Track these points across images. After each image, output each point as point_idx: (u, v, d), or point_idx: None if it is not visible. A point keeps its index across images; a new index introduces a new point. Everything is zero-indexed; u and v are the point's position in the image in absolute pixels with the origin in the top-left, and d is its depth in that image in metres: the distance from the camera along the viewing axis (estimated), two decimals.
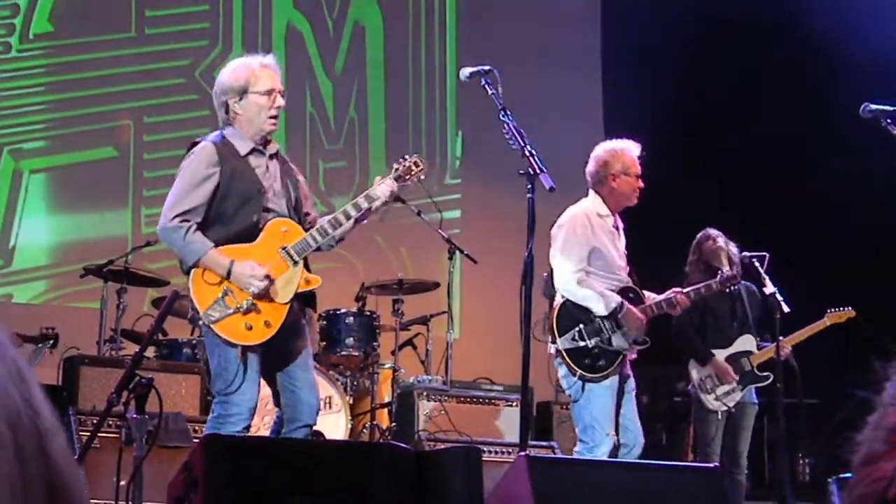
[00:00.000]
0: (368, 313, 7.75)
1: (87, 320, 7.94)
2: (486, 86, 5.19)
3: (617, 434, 5.93)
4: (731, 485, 6.81)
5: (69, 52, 9.59)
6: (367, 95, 10.80)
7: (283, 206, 5.08)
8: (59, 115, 9.52)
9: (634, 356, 6.10)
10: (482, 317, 10.04)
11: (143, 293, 8.29)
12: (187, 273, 4.92)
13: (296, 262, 4.98)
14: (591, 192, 6.18)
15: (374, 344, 7.67)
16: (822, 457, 9.00)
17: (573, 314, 5.93)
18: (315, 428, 5.27)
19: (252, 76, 5.04)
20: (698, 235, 7.26)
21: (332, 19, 10.73)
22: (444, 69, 11.15)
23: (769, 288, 6.62)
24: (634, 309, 5.97)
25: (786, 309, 6.55)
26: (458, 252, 8.12)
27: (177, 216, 4.87)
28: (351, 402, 7.52)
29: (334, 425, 7.14)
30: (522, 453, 4.61)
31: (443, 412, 7.53)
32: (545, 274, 6.09)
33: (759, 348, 7.20)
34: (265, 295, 4.88)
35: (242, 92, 5.03)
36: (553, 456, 7.09)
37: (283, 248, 4.96)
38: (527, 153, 5.00)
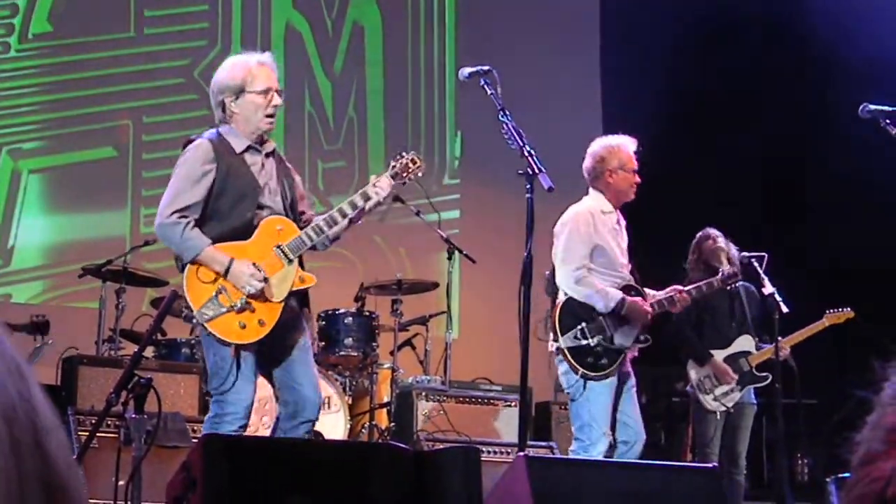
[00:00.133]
0: (367, 313, 7.75)
1: (85, 320, 7.94)
2: (486, 86, 5.20)
3: (614, 432, 5.93)
4: (729, 485, 6.81)
5: (68, 51, 9.58)
6: (366, 95, 10.80)
7: (279, 203, 5.07)
8: (57, 115, 9.52)
9: (636, 354, 6.11)
10: (481, 317, 10.03)
11: (141, 293, 8.29)
12: (182, 271, 4.92)
13: (290, 261, 4.97)
14: (590, 189, 6.19)
15: (373, 344, 7.67)
16: (821, 457, 9.00)
17: (575, 312, 5.94)
18: (314, 428, 5.27)
19: (249, 75, 5.03)
20: (698, 235, 7.26)
21: (331, 19, 10.73)
22: (443, 69, 11.15)
23: (768, 288, 6.62)
24: (638, 301, 5.98)
25: (784, 309, 6.55)
26: (456, 252, 8.12)
27: (174, 212, 4.87)
28: (350, 402, 7.52)
29: (333, 425, 7.14)
30: (521, 453, 4.61)
31: (442, 412, 7.53)
32: (547, 272, 6.10)
33: (757, 349, 7.20)
34: (259, 293, 4.87)
35: (239, 91, 5.01)
36: (552, 456, 7.09)
37: (278, 247, 4.95)
38: (526, 153, 5.00)
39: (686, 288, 6.30)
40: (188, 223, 4.85)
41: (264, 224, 4.98)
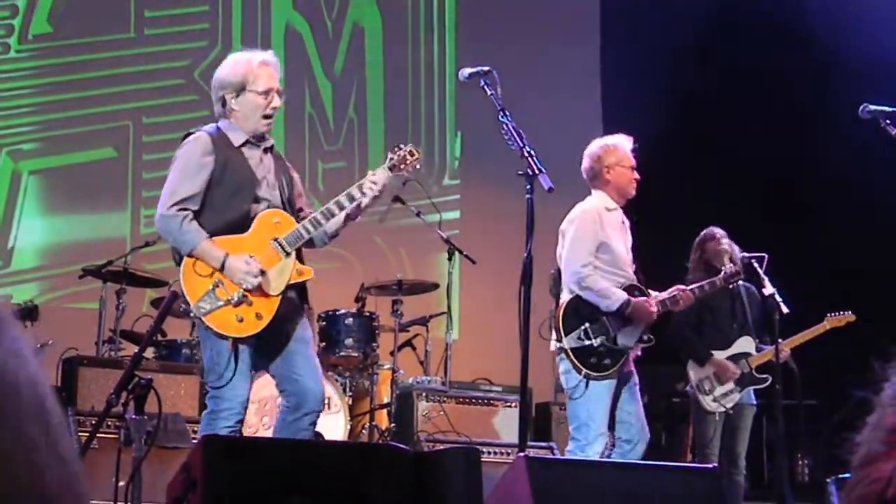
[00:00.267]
0: (368, 314, 7.75)
1: (85, 321, 7.94)
2: (486, 86, 5.20)
3: (612, 431, 5.94)
4: (729, 485, 6.82)
5: (68, 52, 9.59)
6: (366, 96, 10.80)
7: (277, 197, 5.07)
8: (57, 116, 9.52)
9: (638, 353, 6.12)
10: (481, 318, 10.03)
11: (141, 294, 8.29)
12: (179, 263, 4.92)
13: (288, 254, 4.97)
14: (593, 190, 6.22)
15: (374, 345, 7.67)
16: (821, 457, 9.00)
17: (579, 312, 5.96)
18: (316, 425, 5.27)
19: (251, 73, 5.04)
20: (702, 233, 7.26)
21: (332, 20, 10.73)
22: (443, 70, 11.15)
23: (768, 289, 6.63)
24: (643, 301, 6.00)
25: (785, 310, 6.56)
26: (457, 253, 8.12)
27: (174, 204, 4.87)
28: (350, 402, 7.52)
29: (333, 426, 7.14)
30: (521, 454, 4.61)
31: (442, 413, 7.53)
32: (552, 271, 6.12)
33: (758, 350, 7.20)
34: (257, 286, 4.88)
35: (240, 88, 5.02)
36: (552, 456, 7.09)
37: (275, 240, 4.95)
38: (526, 154, 5.00)
39: (689, 287, 6.31)
40: (187, 216, 4.86)
41: (261, 217, 4.98)
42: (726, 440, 7.08)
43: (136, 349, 4.71)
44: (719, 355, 7.11)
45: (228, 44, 10.19)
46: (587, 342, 5.92)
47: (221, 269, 4.83)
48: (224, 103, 5.06)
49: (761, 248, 6.95)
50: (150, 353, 7.18)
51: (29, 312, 7.06)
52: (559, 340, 5.96)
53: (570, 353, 5.90)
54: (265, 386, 6.61)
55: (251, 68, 5.05)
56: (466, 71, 5.30)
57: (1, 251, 9.16)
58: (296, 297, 5.07)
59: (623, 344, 5.96)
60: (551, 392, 8.64)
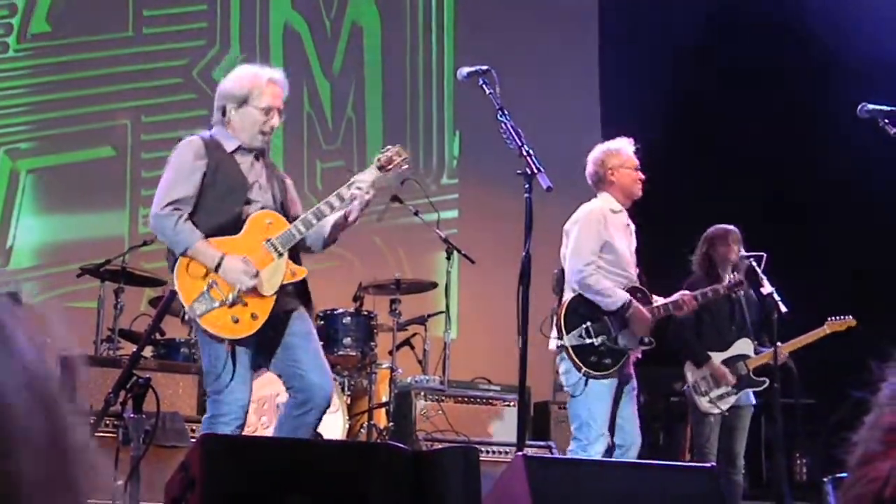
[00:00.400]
0: (366, 313, 7.75)
1: (84, 320, 7.93)
2: (484, 86, 5.20)
3: (612, 434, 5.95)
4: (727, 485, 6.82)
5: (67, 51, 9.58)
6: (364, 95, 10.80)
7: (269, 201, 5.09)
8: (56, 115, 9.51)
9: (639, 356, 6.14)
10: (480, 317, 10.03)
11: (140, 293, 8.29)
12: (172, 267, 4.93)
13: (280, 254, 4.98)
14: (598, 193, 6.26)
15: (372, 344, 7.67)
16: (820, 456, 9.00)
17: (581, 311, 5.98)
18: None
19: (256, 89, 5.06)
20: (717, 230, 7.23)
21: (330, 19, 10.73)
22: (441, 69, 11.15)
23: (767, 288, 6.64)
24: (642, 308, 6.02)
25: (783, 309, 6.56)
26: (455, 252, 8.12)
27: (168, 204, 4.90)
28: (348, 401, 7.52)
29: (332, 425, 7.14)
30: (520, 453, 4.62)
31: (440, 412, 7.53)
32: (556, 271, 6.15)
33: (756, 352, 7.20)
34: (251, 287, 4.88)
35: (242, 101, 5.05)
36: (550, 456, 7.09)
37: (268, 240, 4.97)
38: (524, 153, 5.01)
39: (692, 293, 6.34)
40: (181, 216, 4.88)
41: (253, 218, 5.00)
42: (724, 440, 7.08)
43: (134, 348, 4.71)
44: (717, 357, 7.11)
45: (227, 43, 10.19)
46: (588, 341, 5.93)
47: (217, 269, 4.84)
48: (224, 112, 5.08)
49: (761, 248, 6.95)
50: (148, 352, 7.18)
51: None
52: (560, 338, 5.98)
53: (571, 351, 5.92)
54: (264, 385, 6.62)
55: (258, 84, 5.07)
56: (465, 70, 5.31)
57: None
58: (294, 294, 5.08)
59: (624, 344, 5.98)
60: (550, 391, 8.64)
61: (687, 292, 6.34)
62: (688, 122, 10.44)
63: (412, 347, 8.41)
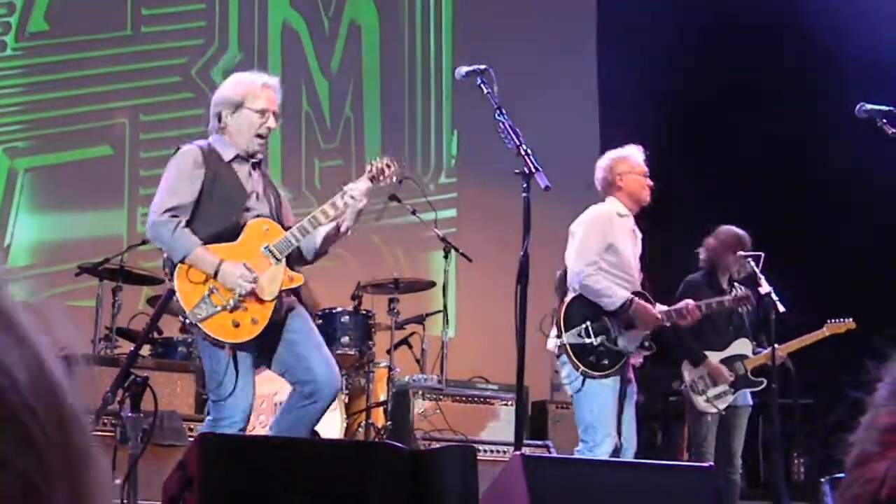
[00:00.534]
0: (364, 312, 7.75)
1: (82, 319, 7.92)
2: (482, 85, 5.20)
3: (619, 435, 5.97)
4: (725, 484, 6.82)
5: (65, 50, 9.58)
6: (362, 94, 10.80)
7: (266, 210, 5.13)
8: (54, 114, 9.51)
9: (640, 362, 6.17)
10: (477, 316, 10.04)
11: (138, 291, 8.28)
12: (170, 275, 4.94)
13: (278, 260, 5.01)
14: (606, 198, 6.31)
15: (370, 343, 7.67)
16: (817, 457, 9.00)
17: (582, 310, 6.01)
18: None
19: (251, 93, 5.10)
20: (736, 234, 7.22)
21: (328, 18, 10.73)
22: (439, 68, 11.15)
23: (764, 287, 6.64)
24: (646, 304, 6.05)
25: (781, 309, 6.57)
26: (453, 251, 8.12)
27: (166, 211, 4.92)
28: (346, 400, 7.52)
29: (329, 424, 7.14)
30: (517, 452, 4.62)
31: (438, 411, 7.53)
32: (558, 272, 6.18)
33: (755, 353, 7.20)
34: (251, 292, 4.90)
35: (237, 105, 5.08)
36: (548, 455, 7.09)
37: (266, 247, 5.00)
38: (522, 152, 5.01)
39: (696, 303, 6.36)
40: (179, 222, 4.90)
41: (251, 225, 5.04)
42: (722, 439, 7.09)
43: (132, 347, 4.71)
44: (715, 357, 7.12)
45: (225, 42, 10.19)
46: (587, 340, 5.96)
47: (216, 274, 4.86)
48: (219, 119, 5.10)
49: (760, 248, 6.96)
50: (146, 350, 7.18)
51: None
52: (559, 336, 6.00)
53: (569, 349, 5.94)
54: (264, 383, 6.61)
55: (253, 88, 5.11)
56: (463, 69, 5.31)
57: None
58: (292, 296, 5.10)
59: (623, 346, 5.99)
60: (547, 391, 8.65)
61: (691, 301, 6.39)
62: (687, 122, 10.44)
63: (410, 346, 8.41)
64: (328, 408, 5.11)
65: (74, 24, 9.64)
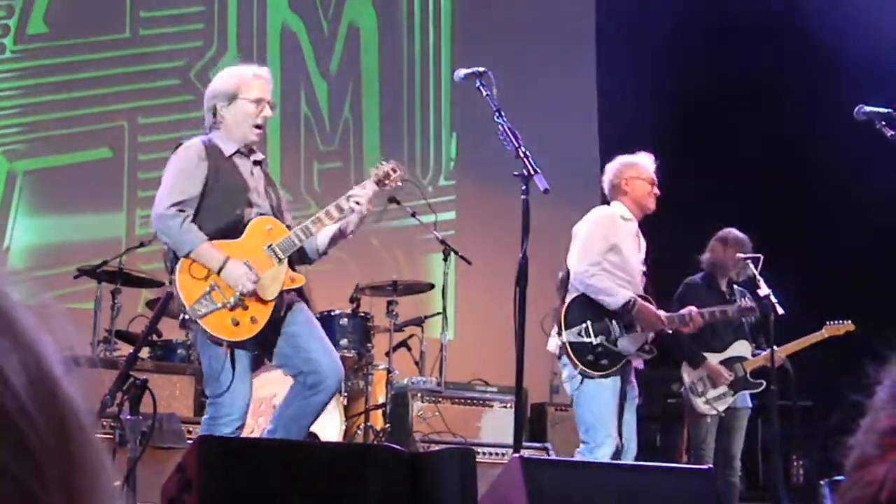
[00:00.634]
0: (363, 314, 7.75)
1: (81, 321, 7.91)
2: (481, 87, 5.20)
3: (621, 436, 5.98)
4: (724, 486, 6.83)
5: (64, 53, 9.57)
6: (361, 96, 10.80)
7: (268, 207, 5.14)
8: (53, 116, 9.50)
9: (640, 366, 6.18)
10: (476, 318, 10.03)
11: (137, 294, 8.28)
12: (171, 269, 4.94)
13: (280, 260, 5.01)
14: (612, 202, 6.35)
15: (369, 345, 7.67)
16: (816, 459, 9.00)
17: (583, 310, 6.03)
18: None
19: (243, 83, 5.11)
20: (739, 237, 7.23)
21: (327, 20, 10.73)
22: (438, 70, 11.15)
23: (763, 290, 6.65)
24: (648, 305, 6.06)
25: (780, 311, 6.57)
26: (452, 253, 8.12)
27: (173, 205, 4.91)
28: (345, 403, 7.52)
29: (328, 427, 7.14)
30: (516, 455, 4.61)
31: (437, 413, 7.53)
32: (561, 273, 6.19)
33: (753, 355, 7.20)
34: (252, 291, 4.90)
35: (232, 97, 5.08)
36: (547, 457, 7.09)
37: (269, 246, 5.00)
38: (521, 155, 5.01)
39: (700, 311, 6.38)
40: (187, 216, 4.91)
41: (254, 224, 5.03)
42: (721, 441, 7.09)
43: (131, 349, 4.71)
44: (714, 358, 7.12)
45: (224, 44, 10.19)
46: (586, 339, 5.97)
47: (220, 271, 4.86)
48: (215, 113, 5.11)
49: (759, 250, 6.97)
50: (145, 353, 7.18)
51: None
52: (559, 334, 6.02)
53: (568, 347, 5.96)
54: (262, 386, 6.61)
55: (244, 79, 5.13)
56: (462, 72, 5.31)
57: None
58: (292, 293, 5.11)
59: (623, 347, 6.00)
60: (546, 393, 8.65)
61: (694, 308, 6.41)
62: (687, 122, 10.44)
63: (409, 349, 8.40)
64: (330, 399, 5.11)
65: (73, 27, 9.64)
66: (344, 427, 7.34)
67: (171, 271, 4.94)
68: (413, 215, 7.98)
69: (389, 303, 7.93)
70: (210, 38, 10.18)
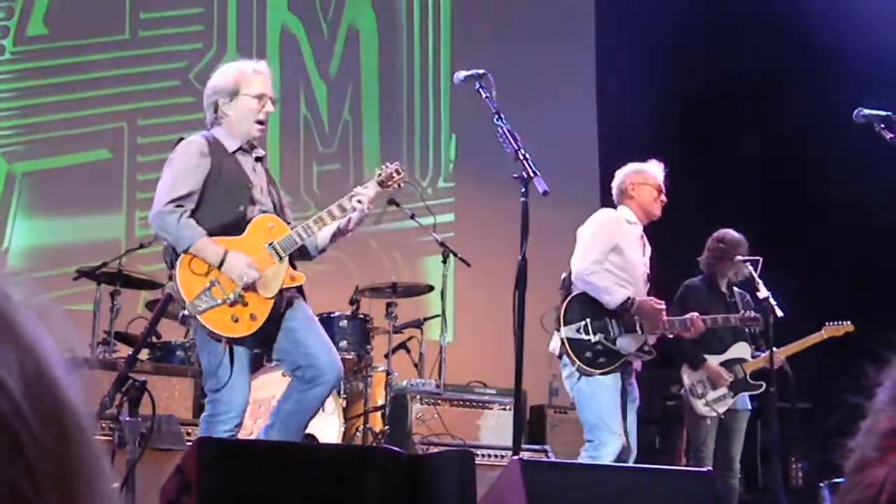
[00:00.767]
0: (362, 316, 7.74)
1: (80, 323, 7.92)
2: (480, 89, 5.20)
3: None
4: (723, 488, 6.83)
5: (63, 54, 9.57)
6: (361, 98, 10.80)
7: (269, 204, 5.15)
8: (52, 118, 9.50)
9: (639, 367, 6.19)
10: (476, 320, 10.03)
11: (136, 295, 8.28)
12: (171, 265, 4.94)
13: (281, 258, 5.01)
14: (618, 206, 6.40)
15: (368, 347, 7.66)
16: (816, 461, 9.00)
17: (583, 308, 6.07)
18: (308, 431, 5.27)
19: (244, 79, 5.10)
20: (736, 237, 7.25)
21: (327, 22, 10.73)
22: (438, 72, 11.15)
23: (762, 292, 6.65)
24: (649, 300, 6.08)
25: (779, 313, 6.57)
26: (451, 255, 8.12)
27: (172, 201, 4.92)
28: (344, 405, 7.51)
29: (327, 428, 7.13)
30: (516, 457, 4.61)
31: (436, 415, 7.53)
32: (564, 274, 6.21)
33: (753, 356, 7.20)
34: (252, 288, 4.90)
35: (233, 93, 5.08)
36: (546, 460, 7.09)
37: (270, 244, 5.01)
38: (521, 157, 5.01)
39: (702, 317, 6.42)
40: (185, 212, 4.91)
41: (256, 221, 5.04)
42: (721, 443, 7.09)
43: (130, 351, 4.70)
44: (714, 360, 7.12)
45: (224, 46, 10.19)
46: (585, 336, 6.01)
47: (221, 265, 4.86)
48: (216, 109, 5.11)
49: (759, 252, 6.97)
50: (144, 354, 7.18)
51: None
52: (557, 330, 6.05)
53: (566, 343, 5.99)
54: (261, 387, 6.61)
55: (244, 74, 5.12)
56: (461, 74, 5.32)
57: None
58: (290, 291, 5.12)
59: (621, 347, 6.02)
60: (546, 395, 8.65)
61: (696, 314, 6.43)
62: (686, 123, 10.44)
63: (408, 351, 8.40)
64: (328, 393, 5.12)
65: (73, 28, 9.64)
66: (343, 429, 7.33)
67: (172, 267, 4.94)
68: (412, 217, 7.98)
69: (389, 305, 7.93)
70: (210, 40, 10.18)
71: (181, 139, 5.14)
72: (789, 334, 7.18)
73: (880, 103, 5.52)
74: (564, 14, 11.52)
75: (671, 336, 6.60)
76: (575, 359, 5.98)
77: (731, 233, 7.28)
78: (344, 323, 7.62)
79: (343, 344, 7.54)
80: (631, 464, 5.97)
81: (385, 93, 10.91)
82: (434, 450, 6.84)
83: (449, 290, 8.40)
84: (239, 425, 4.95)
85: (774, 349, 6.75)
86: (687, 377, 7.14)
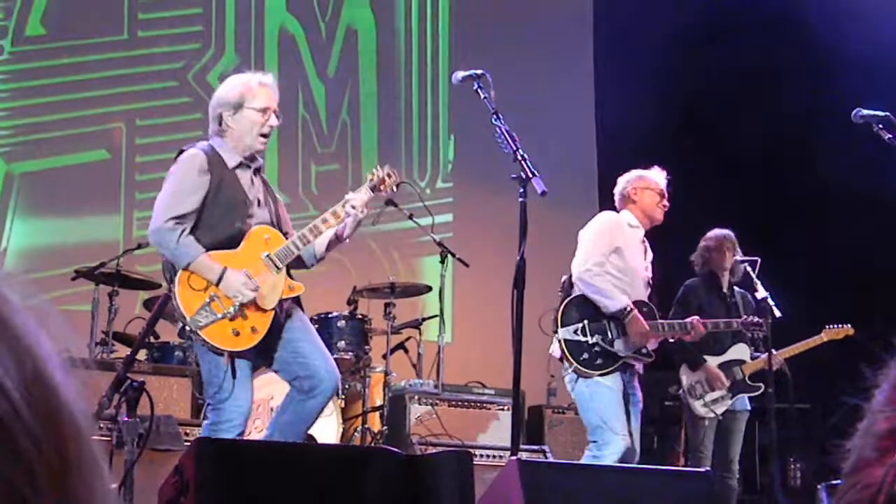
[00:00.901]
0: (360, 317, 7.74)
1: (78, 323, 7.91)
2: (479, 90, 5.20)
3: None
4: (722, 489, 6.83)
5: (62, 54, 9.57)
6: (359, 98, 10.80)
7: (267, 217, 5.17)
8: (50, 118, 9.49)
9: (641, 370, 6.20)
10: (474, 321, 10.03)
11: (134, 296, 8.27)
12: (170, 280, 4.95)
13: (279, 269, 5.03)
14: (621, 211, 6.44)
15: (366, 347, 7.66)
16: (814, 461, 9.00)
17: (581, 309, 6.09)
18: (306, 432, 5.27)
19: (249, 92, 5.11)
20: (711, 239, 7.27)
21: (325, 22, 10.73)
22: (436, 72, 11.15)
23: (761, 293, 6.66)
24: (642, 319, 6.08)
25: (777, 314, 6.57)
26: (449, 256, 8.12)
27: (171, 219, 4.92)
28: (342, 405, 7.52)
29: (326, 429, 7.13)
30: (514, 457, 4.61)
31: (434, 416, 7.53)
32: (564, 277, 6.23)
33: (752, 358, 7.20)
34: (251, 301, 4.92)
35: (238, 106, 5.08)
36: (544, 460, 7.09)
37: (267, 255, 5.03)
38: (519, 157, 5.01)
39: (703, 321, 6.44)
40: (184, 229, 4.92)
41: (252, 233, 5.06)
42: (720, 444, 7.09)
43: (128, 351, 4.70)
44: (713, 361, 7.12)
45: (222, 46, 10.19)
46: (582, 338, 6.02)
47: (218, 282, 4.87)
48: (220, 121, 5.11)
49: (758, 252, 6.97)
50: (142, 355, 7.18)
51: None
52: (555, 332, 6.07)
53: (563, 344, 6.00)
54: (260, 388, 6.60)
55: (250, 87, 5.12)
56: (460, 74, 5.32)
57: None
58: (288, 301, 5.13)
59: (619, 349, 6.02)
60: (544, 395, 8.64)
61: (697, 318, 6.46)
62: (686, 122, 10.44)
63: (406, 351, 8.40)
64: (326, 404, 5.13)
65: (71, 29, 9.63)
66: (341, 429, 7.34)
67: (171, 282, 4.95)
68: (410, 218, 7.98)
69: (387, 305, 7.93)
70: (208, 41, 10.18)
71: (181, 151, 5.13)
72: (789, 336, 7.18)
73: (881, 101, 5.52)
74: (563, 13, 11.52)
75: (672, 339, 6.61)
76: (572, 360, 5.99)
77: (717, 230, 7.33)
78: (342, 323, 7.61)
79: (341, 344, 7.55)
80: (630, 465, 5.97)
81: (383, 93, 10.90)
82: (432, 450, 6.83)
83: (447, 290, 8.40)
84: (242, 433, 4.97)
85: (773, 351, 6.75)
86: (686, 378, 7.14)
